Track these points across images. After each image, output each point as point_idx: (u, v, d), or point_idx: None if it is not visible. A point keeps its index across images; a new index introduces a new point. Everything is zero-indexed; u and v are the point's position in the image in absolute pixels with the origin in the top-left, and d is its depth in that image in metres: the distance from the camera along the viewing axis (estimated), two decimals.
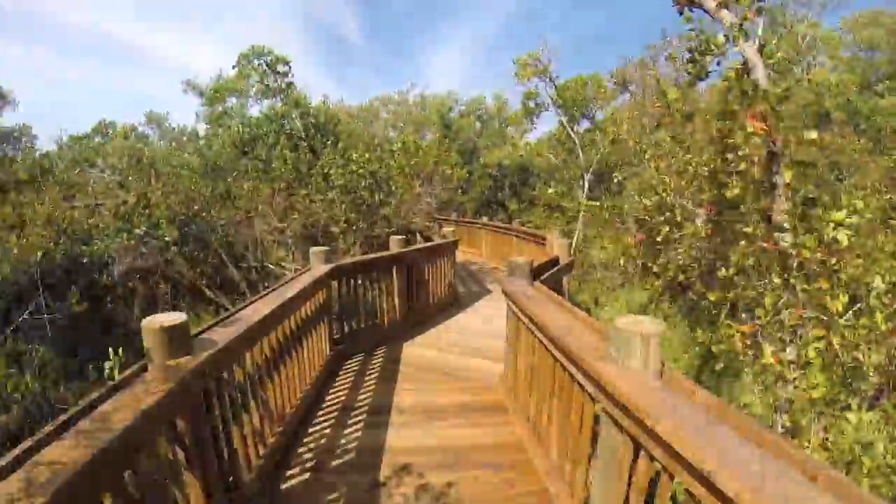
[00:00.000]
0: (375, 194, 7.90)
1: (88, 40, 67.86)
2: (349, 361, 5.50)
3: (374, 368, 5.35)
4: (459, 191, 27.53)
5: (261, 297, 3.76)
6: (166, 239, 8.37)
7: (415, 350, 6.03)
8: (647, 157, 8.83)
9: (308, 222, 8.53)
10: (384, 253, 6.33)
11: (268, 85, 12.80)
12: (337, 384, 4.88)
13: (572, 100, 19.16)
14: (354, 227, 8.00)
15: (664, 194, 7.22)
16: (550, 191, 18.09)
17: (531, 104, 20.66)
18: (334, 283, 5.43)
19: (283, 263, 11.71)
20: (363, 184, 7.69)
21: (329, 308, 5.22)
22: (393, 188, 8.37)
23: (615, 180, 15.18)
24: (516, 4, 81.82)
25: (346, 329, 5.74)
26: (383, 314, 6.34)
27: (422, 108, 30.41)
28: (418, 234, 11.60)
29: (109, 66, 70.26)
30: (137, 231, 8.03)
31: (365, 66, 76.94)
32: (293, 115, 11.28)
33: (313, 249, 5.05)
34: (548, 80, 17.91)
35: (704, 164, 6.03)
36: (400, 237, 6.39)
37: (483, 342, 6.38)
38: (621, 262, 13.67)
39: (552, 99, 18.71)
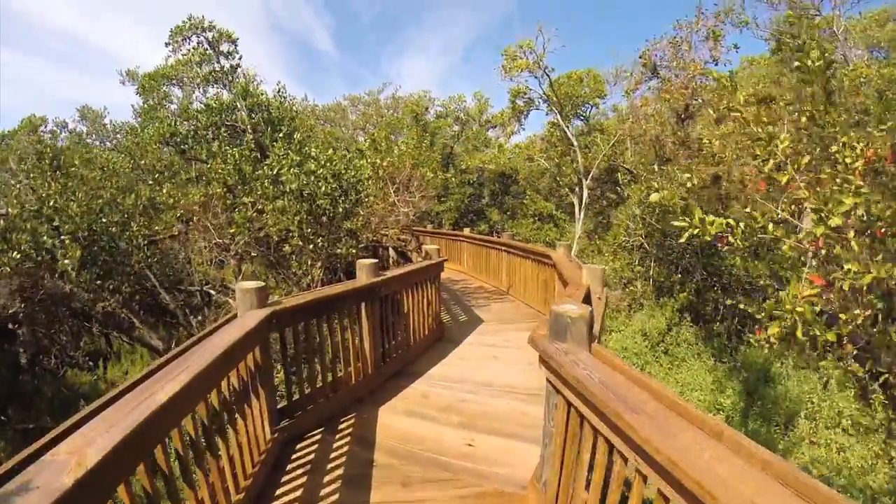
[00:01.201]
0: (340, 202, 6.38)
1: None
2: (302, 444, 3.98)
3: (337, 457, 3.82)
4: (436, 200, 26.19)
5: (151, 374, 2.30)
6: (64, 260, 6.64)
7: (394, 420, 4.53)
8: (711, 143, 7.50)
9: (255, 238, 6.99)
10: (348, 285, 4.82)
11: (211, 69, 11.16)
12: (282, 490, 3.34)
13: (567, 97, 17.95)
14: (313, 245, 6.46)
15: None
16: (547, 203, 16.74)
17: (519, 102, 19.38)
18: (275, 334, 3.90)
19: (230, 285, 10.05)
20: (324, 188, 6.17)
21: (268, 370, 3.68)
22: (362, 195, 6.87)
23: (622, 185, 14.00)
24: (490, 14, 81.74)
25: (296, 395, 4.20)
26: (349, 366, 4.82)
27: (395, 110, 28.97)
28: (392, 251, 10.14)
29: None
30: (14, 255, 6.28)
31: (337, 77, 76.35)
32: (239, 106, 9.68)
33: (241, 286, 3.53)
34: (541, 72, 16.61)
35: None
36: (370, 262, 4.90)
37: (490, 403, 4.94)
38: (631, 280, 12.54)
39: (545, 95, 17.36)
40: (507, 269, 10.99)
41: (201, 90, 12.28)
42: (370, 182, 7.16)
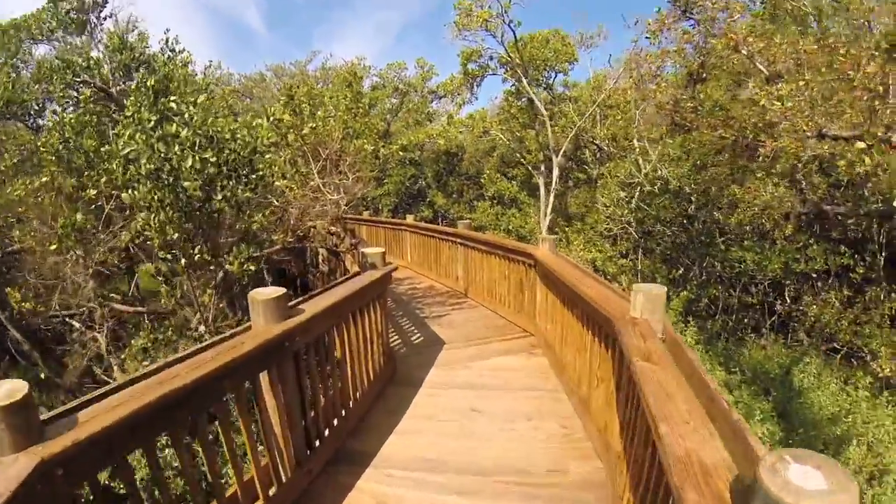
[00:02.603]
0: (223, 184, 4.24)
1: None
2: None
3: None
4: (373, 183, 23.90)
5: None
6: None
7: None
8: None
9: (111, 250, 4.89)
10: (233, 348, 2.78)
11: (69, 14, 8.67)
12: None
13: (531, 60, 16.08)
14: (188, 260, 4.36)
15: None
16: (509, 185, 14.93)
17: (472, 66, 17.39)
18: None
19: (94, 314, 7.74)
20: (190, 163, 3.99)
21: None
22: (266, 175, 4.79)
23: (590, 164, 12.46)
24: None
25: None
26: (243, 476, 2.89)
27: (325, 82, 26.35)
28: (323, 253, 8.13)
29: None
30: None
31: (268, 56, 72.00)
32: (102, 61, 7.30)
33: None
34: (504, 27, 14.64)
35: None
36: (271, 295, 2.92)
37: None
38: (615, 276, 11.05)
39: (506, 57, 15.32)
40: (464, 265, 9.29)
41: (62, 42, 9.72)
42: (284, 159, 5.08)
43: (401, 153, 17.85)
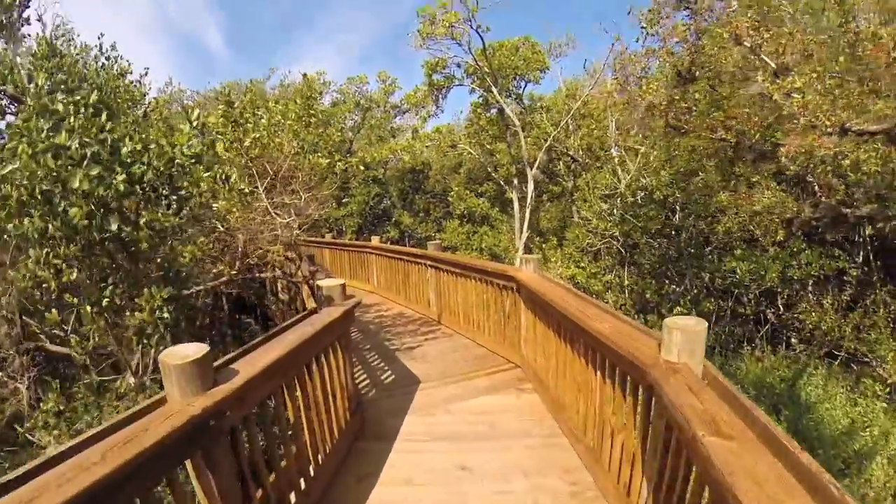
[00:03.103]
0: (153, 212, 3.40)
1: None
2: None
3: None
4: (333, 203, 23.03)
5: None
6: None
7: None
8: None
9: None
10: (124, 452, 2.03)
11: None
12: None
13: (500, 68, 15.55)
14: (95, 306, 3.55)
15: None
16: (480, 201, 14.29)
17: (438, 77, 16.81)
18: None
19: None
20: (79, 179, 3.07)
21: None
22: (193, 196, 3.99)
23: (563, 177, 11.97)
24: (387, 17, 79.66)
25: None
26: None
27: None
28: (279, 281, 7.35)
29: None
30: None
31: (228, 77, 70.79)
32: (16, 66, 6.43)
33: None
34: (471, 34, 14.06)
35: None
36: (194, 357, 2.18)
37: None
38: (600, 294, 10.47)
39: (473, 65, 14.71)
40: (436, 289, 8.65)
41: None
42: (216, 175, 4.29)
43: (363, 170, 17.10)
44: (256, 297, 12.74)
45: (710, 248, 11.24)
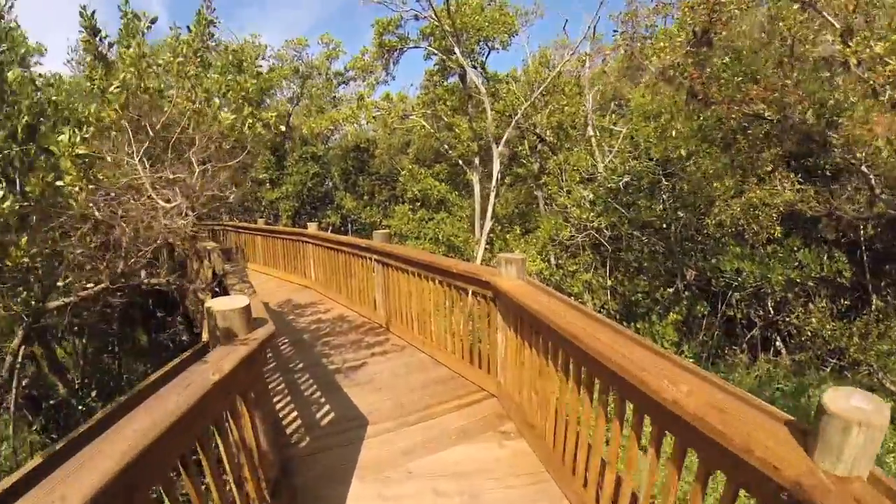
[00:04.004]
0: None
1: None
2: None
3: None
4: (267, 184, 21.14)
5: None
6: None
7: None
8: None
9: None
10: None
11: None
12: None
13: (464, 28, 13.96)
14: None
15: None
16: (438, 183, 12.79)
17: (390, 38, 15.09)
18: None
19: None
20: None
21: None
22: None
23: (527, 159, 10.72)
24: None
25: None
26: None
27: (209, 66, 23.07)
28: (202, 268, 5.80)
29: None
30: None
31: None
32: None
33: None
34: None
35: None
36: None
37: None
38: (578, 295, 9.32)
39: (438, 20, 12.93)
40: (384, 289, 7.42)
41: None
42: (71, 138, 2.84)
43: (298, 150, 15.01)
44: (179, 294, 11.20)
45: (697, 244, 10.38)
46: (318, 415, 4.95)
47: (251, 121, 3.84)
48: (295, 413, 5.01)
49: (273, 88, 20.58)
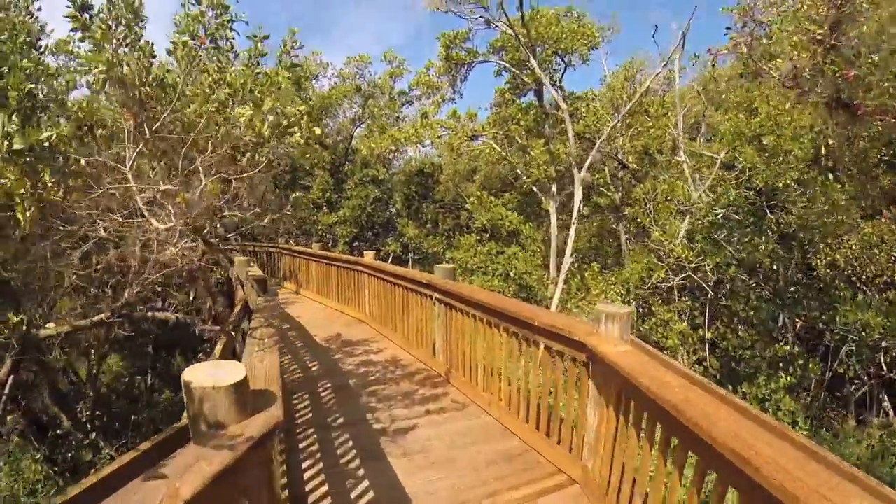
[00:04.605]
0: None
1: None
2: None
3: None
4: (324, 207, 20.76)
5: None
6: None
7: None
8: None
9: None
10: None
11: None
12: None
13: (540, 40, 13.03)
14: None
15: None
16: (509, 213, 11.81)
17: (459, 52, 14.37)
18: None
19: None
20: None
21: None
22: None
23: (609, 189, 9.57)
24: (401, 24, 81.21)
25: None
26: None
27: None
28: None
29: None
30: None
31: None
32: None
33: None
34: None
35: None
36: None
37: None
38: (672, 350, 8.11)
39: (512, 30, 11.96)
40: (445, 333, 6.57)
41: None
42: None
43: (358, 173, 14.21)
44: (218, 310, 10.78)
45: (805, 289, 9.02)
46: (354, 493, 4.01)
47: (268, 117, 3.01)
48: (325, 488, 4.10)
49: (334, 107, 20.26)
